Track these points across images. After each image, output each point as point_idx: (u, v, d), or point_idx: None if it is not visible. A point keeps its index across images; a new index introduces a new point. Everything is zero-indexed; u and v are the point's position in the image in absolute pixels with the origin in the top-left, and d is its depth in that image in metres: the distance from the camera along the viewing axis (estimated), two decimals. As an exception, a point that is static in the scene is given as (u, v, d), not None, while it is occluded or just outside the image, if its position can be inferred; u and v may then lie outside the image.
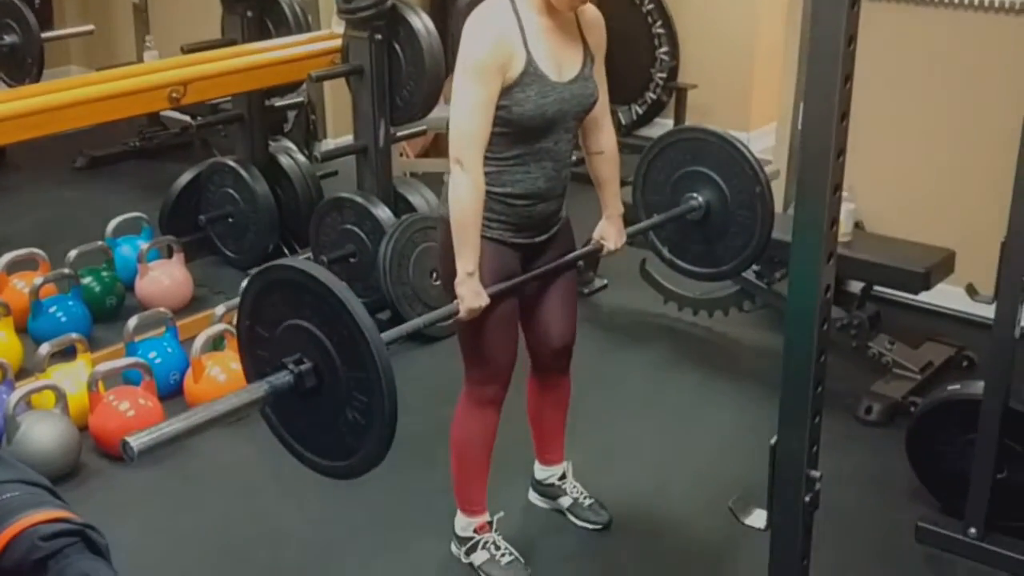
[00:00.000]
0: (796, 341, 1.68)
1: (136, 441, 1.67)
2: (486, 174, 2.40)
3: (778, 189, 4.50)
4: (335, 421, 1.90)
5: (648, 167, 2.98)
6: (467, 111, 2.33)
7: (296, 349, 1.87)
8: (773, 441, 1.74)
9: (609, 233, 2.72)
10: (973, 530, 2.77)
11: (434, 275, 3.82)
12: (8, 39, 4.63)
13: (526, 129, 2.39)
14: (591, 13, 2.52)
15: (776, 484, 1.76)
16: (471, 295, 2.38)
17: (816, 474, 1.75)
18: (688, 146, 2.90)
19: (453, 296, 2.45)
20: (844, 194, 3.97)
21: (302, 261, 1.91)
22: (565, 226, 2.65)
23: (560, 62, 2.41)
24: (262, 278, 1.94)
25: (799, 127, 4.26)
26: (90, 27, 5.70)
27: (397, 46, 3.88)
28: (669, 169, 2.93)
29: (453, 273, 2.43)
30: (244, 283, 2.01)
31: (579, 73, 2.45)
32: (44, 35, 4.72)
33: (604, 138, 2.65)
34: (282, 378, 1.86)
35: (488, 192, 2.42)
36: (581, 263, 4.32)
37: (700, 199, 2.88)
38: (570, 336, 2.76)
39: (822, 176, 1.56)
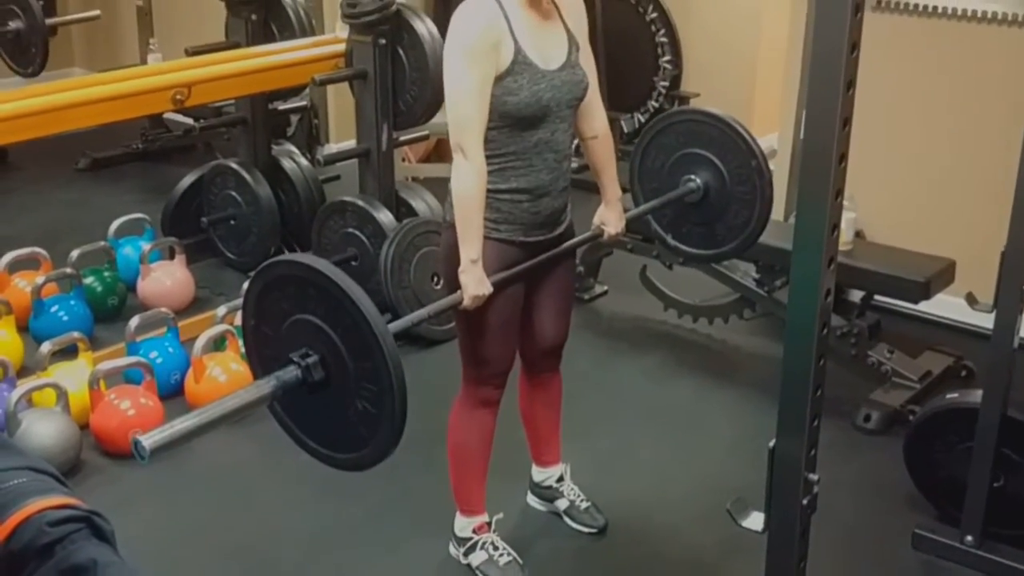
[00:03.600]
0: (796, 345, 1.69)
1: (148, 440, 1.67)
2: (489, 172, 2.42)
3: (779, 198, 4.52)
4: (345, 412, 1.89)
5: (642, 155, 2.99)
6: (463, 96, 2.35)
7: (302, 344, 1.87)
8: (772, 444, 1.76)
9: (609, 218, 2.72)
10: (969, 538, 2.78)
11: (436, 279, 3.83)
12: (13, 25, 4.67)
13: (523, 119, 2.40)
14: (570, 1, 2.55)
15: (774, 487, 1.78)
16: (475, 283, 2.38)
17: (814, 477, 1.76)
18: (680, 129, 2.91)
19: (458, 318, 2.50)
20: (845, 202, 3.96)
21: (304, 255, 1.92)
22: (570, 230, 2.66)
23: (546, 52, 2.44)
24: (265, 275, 1.94)
25: (802, 136, 4.30)
26: (96, 12, 5.72)
27: (401, 51, 3.90)
28: (663, 155, 2.94)
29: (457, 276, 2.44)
30: (247, 282, 2.01)
31: (566, 61, 2.48)
32: (48, 21, 4.75)
33: (597, 122, 2.67)
34: (290, 372, 1.85)
35: (494, 191, 2.44)
36: (581, 268, 4.36)
37: (698, 180, 2.88)
38: (562, 336, 2.77)
39: (824, 181, 1.58)
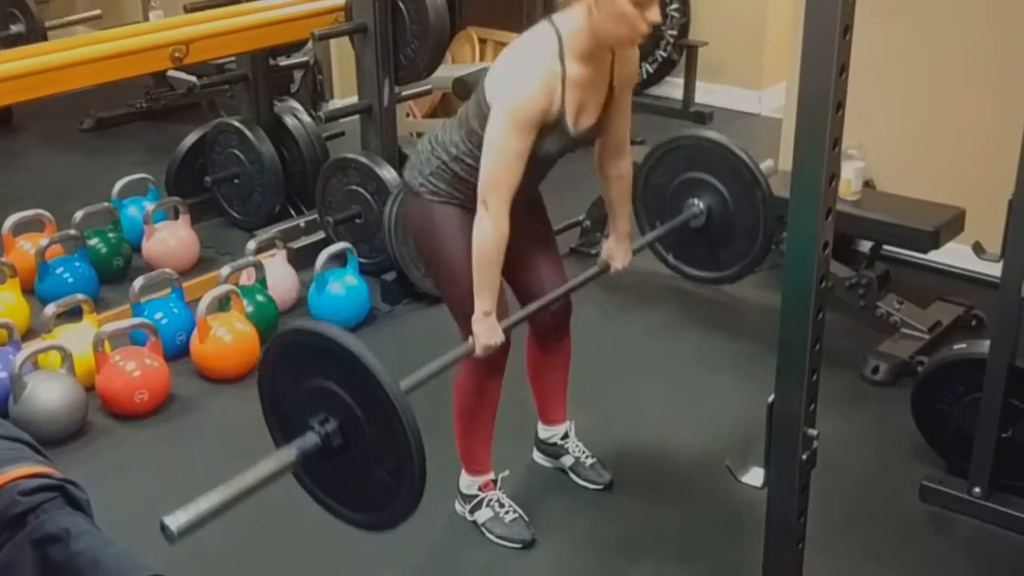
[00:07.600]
0: (794, 298, 1.66)
1: (174, 523, 1.64)
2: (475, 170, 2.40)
3: (788, 147, 4.46)
4: (365, 479, 1.90)
5: (648, 174, 3.01)
6: (502, 159, 2.29)
7: (320, 408, 1.87)
8: (770, 399, 1.73)
9: (616, 253, 2.73)
10: (977, 489, 2.76)
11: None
12: (15, 28, 4.65)
13: (533, 161, 2.37)
14: (629, 52, 2.49)
15: (773, 442, 1.75)
16: (487, 333, 2.39)
17: (813, 432, 1.73)
18: (686, 152, 2.93)
19: (439, 281, 2.57)
20: (853, 152, 3.91)
21: (320, 324, 1.89)
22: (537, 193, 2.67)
23: (581, 114, 2.41)
24: (281, 342, 1.94)
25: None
26: (97, 12, 5.68)
27: (401, 4, 3.84)
28: (669, 175, 2.96)
29: (433, 255, 2.53)
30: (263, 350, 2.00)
31: (594, 124, 2.46)
32: (48, 24, 4.73)
33: (624, 165, 2.67)
34: (310, 440, 1.85)
35: (470, 176, 2.42)
36: (587, 223, 4.33)
37: (701, 205, 2.89)
38: (565, 285, 2.73)
39: (820, 130, 1.53)
